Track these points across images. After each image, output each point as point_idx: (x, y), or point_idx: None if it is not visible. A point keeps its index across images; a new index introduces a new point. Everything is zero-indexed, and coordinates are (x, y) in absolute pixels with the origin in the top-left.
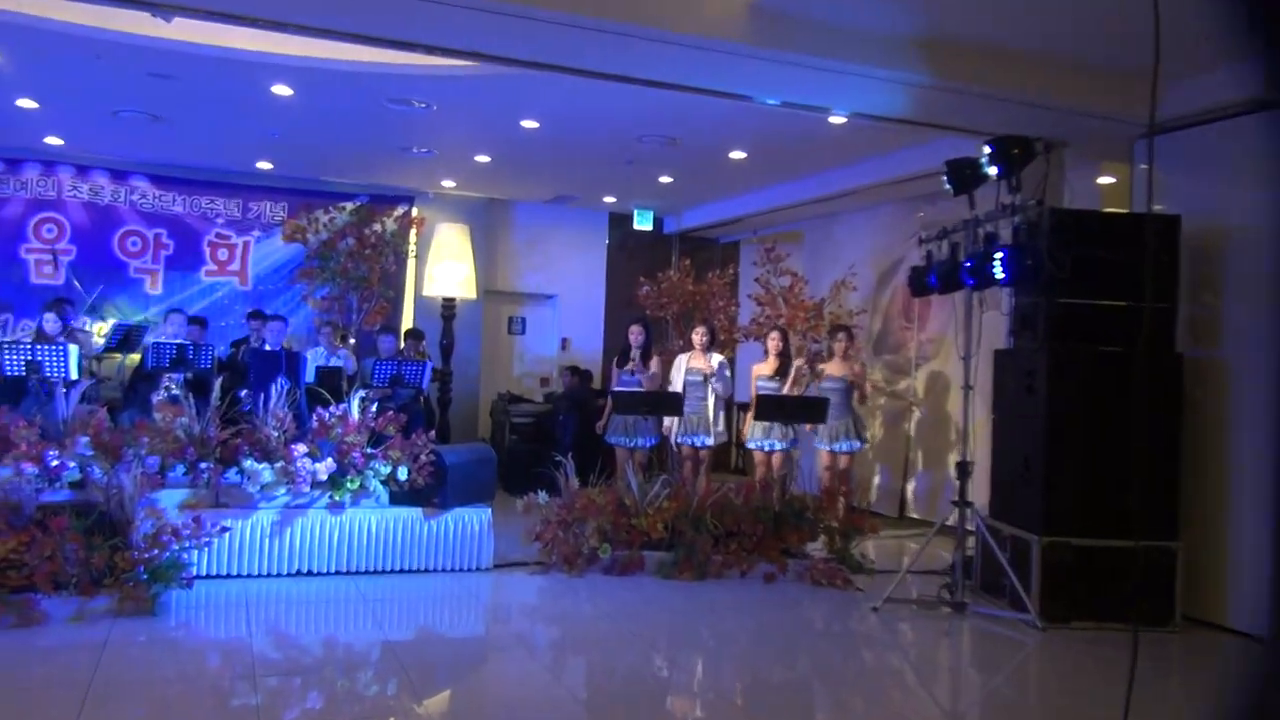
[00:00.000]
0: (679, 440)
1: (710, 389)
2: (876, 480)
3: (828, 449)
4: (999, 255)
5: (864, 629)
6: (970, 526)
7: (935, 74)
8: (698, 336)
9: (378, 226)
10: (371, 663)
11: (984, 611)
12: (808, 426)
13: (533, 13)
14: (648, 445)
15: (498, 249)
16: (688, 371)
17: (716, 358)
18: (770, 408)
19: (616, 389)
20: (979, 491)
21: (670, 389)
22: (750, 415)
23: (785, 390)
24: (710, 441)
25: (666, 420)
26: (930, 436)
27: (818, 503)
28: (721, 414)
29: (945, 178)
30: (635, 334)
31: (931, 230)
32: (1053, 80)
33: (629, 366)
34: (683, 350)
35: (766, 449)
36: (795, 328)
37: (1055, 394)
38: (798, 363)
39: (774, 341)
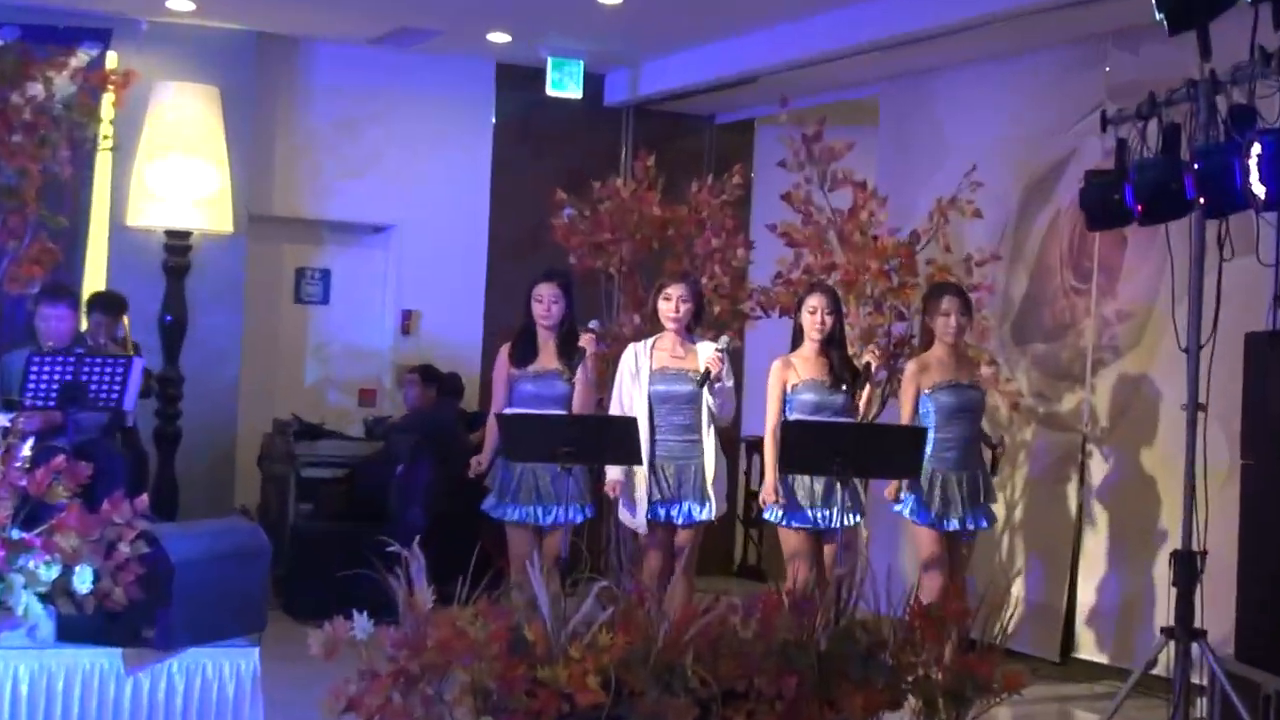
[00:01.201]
0: (635, 513)
1: (701, 407)
2: (1019, 589)
3: (927, 526)
4: (1258, 150)
5: None
6: (1201, 677)
7: None
8: (671, 305)
9: (37, 87)
10: None
11: None
12: (888, 488)
13: None
14: (573, 521)
15: (276, 137)
16: (654, 375)
17: (709, 347)
18: (816, 444)
19: (510, 410)
20: (1216, 611)
21: (617, 409)
22: (773, 459)
23: (849, 410)
24: (700, 513)
25: (611, 473)
26: (1122, 502)
27: (904, 633)
28: (719, 460)
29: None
30: (548, 301)
31: (1125, 104)
32: None
33: (535, 366)
34: (640, 335)
35: (808, 526)
36: (860, 290)
37: None
38: (868, 358)
39: (818, 315)
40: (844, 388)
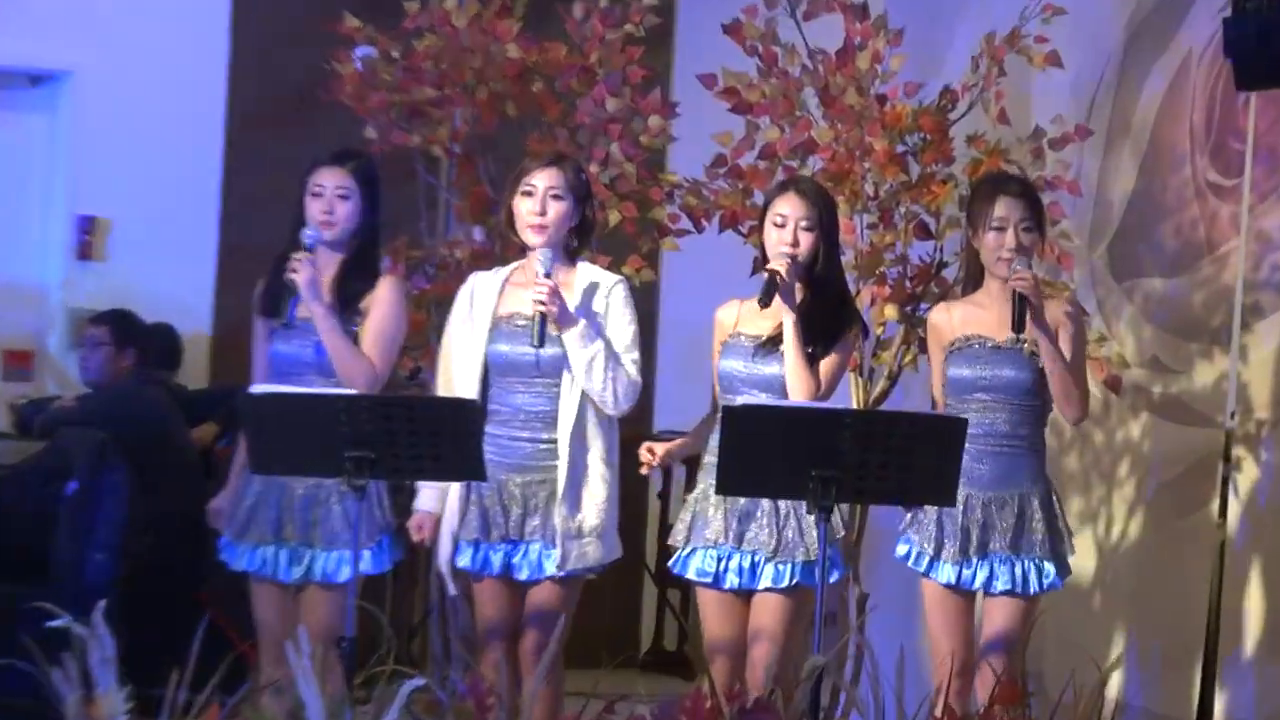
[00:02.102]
0: (462, 563)
1: (571, 383)
2: (1117, 688)
3: (932, 580)
4: None
5: None
6: None
7: None
8: (536, 205)
9: None
10: None
11: None
12: (904, 518)
13: None
14: (361, 574)
15: None
16: (498, 326)
17: (604, 281)
18: (778, 447)
19: (263, 388)
20: None
21: (442, 386)
22: (703, 473)
23: (828, 387)
24: (575, 560)
25: (423, 497)
26: None
27: None
28: (606, 472)
29: None
30: (332, 198)
31: None
32: None
33: (304, 311)
34: (485, 262)
35: (738, 584)
36: (855, 187)
37: None
38: (776, 265)
39: (788, 228)
40: (810, 349)
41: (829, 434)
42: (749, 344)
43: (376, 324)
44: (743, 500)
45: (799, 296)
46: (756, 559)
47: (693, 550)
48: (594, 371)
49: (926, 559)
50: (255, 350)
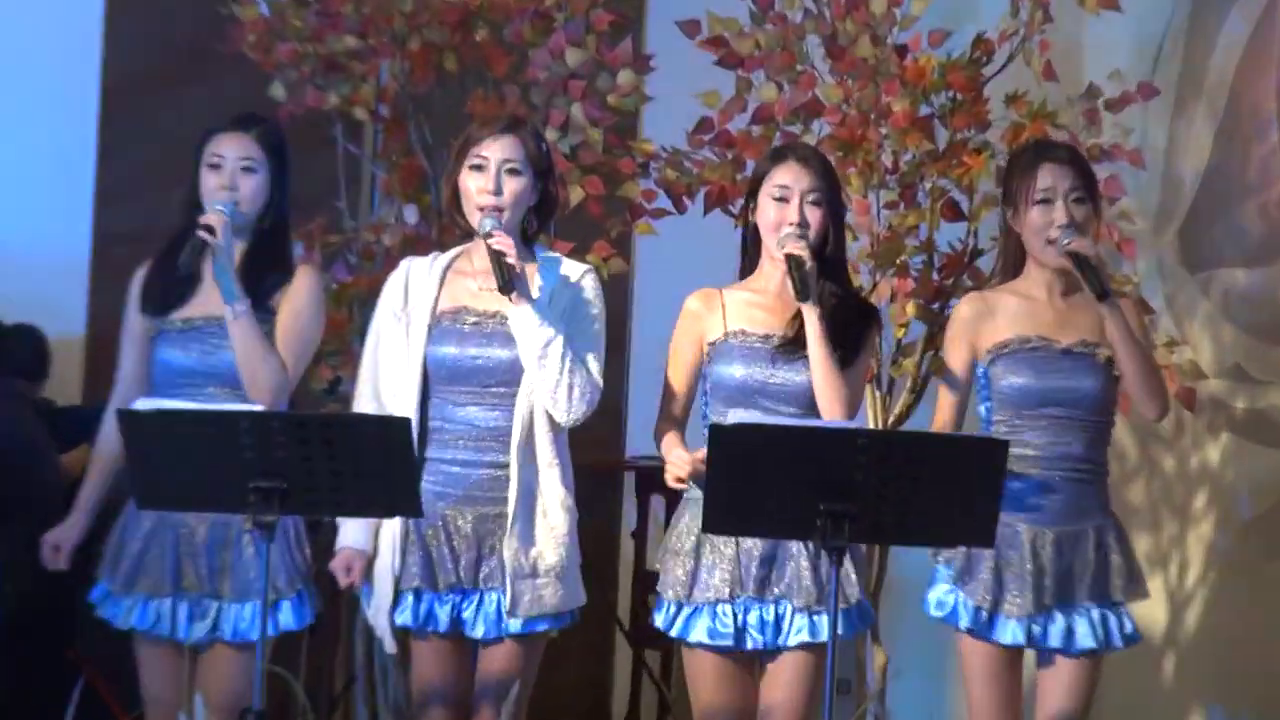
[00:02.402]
0: (401, 619)
1: (524, 394)
2: None
3: (969, 634)
4: None
5: None
6: None
7: None
8: (487, 180)
9: None
10: None
11: None
12: (938, 559)
13: None
14: (297, 627)
15: None
16: (439, 323)
17: (571, 271)
18: (777, 477)
19: (146, 403)
20: None
21: (369, 400)
22: (693, 505)
23: (841, 405)
24: (529, 605)
25: (348, 535)
26: None
27: None
28: (564, 501)
29: None
30: (233, 170)
31: None
32: None
33: (195, 309)
34: (421, 247)
35: (728, 645)
36: (870, 156)
37: None
38: (791, 248)
39: (792, 205)
40: (836, 351)
41: (841, 458)
42: (763, 345)
43: (289, 323)
44: (760, 540)
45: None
46: (782, 609)
47: (698, 608)
48: (549, 360)
49: (984, 615)
50: (124, 355)
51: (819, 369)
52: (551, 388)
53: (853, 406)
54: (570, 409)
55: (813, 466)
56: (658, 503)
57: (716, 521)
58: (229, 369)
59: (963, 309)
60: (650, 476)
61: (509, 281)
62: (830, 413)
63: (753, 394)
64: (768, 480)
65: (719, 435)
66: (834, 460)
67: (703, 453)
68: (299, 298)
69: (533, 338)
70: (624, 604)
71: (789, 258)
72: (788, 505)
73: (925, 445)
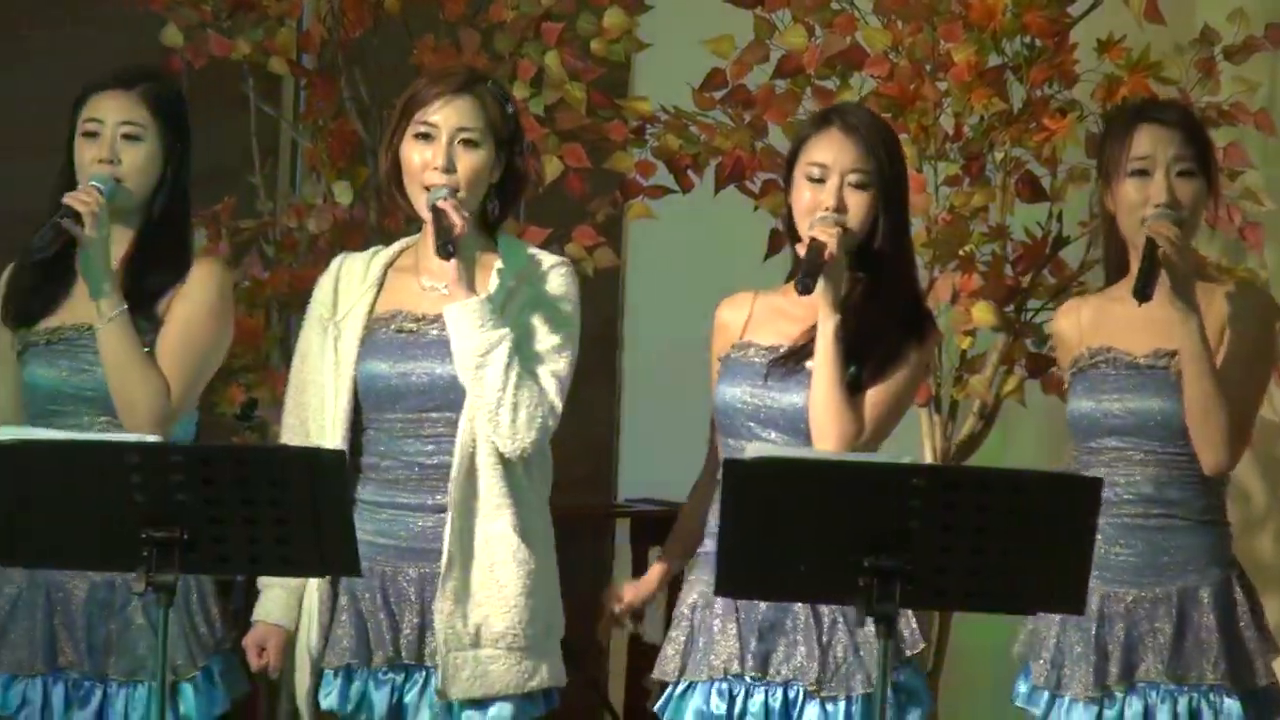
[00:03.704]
0: (328, 704)
1: (467, 380)
2: None
3: (1043, 716)
4: None
5: None
6: None
7: None
8: (437, 153)
9: None
10: None
11: None
12: (1021, 635)
13: None
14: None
15: None
16: (372, 331)
17: (540, 263)
18: (809, 523)
19: (8, 433)
20: None
21: (295, 431)
22: (699, 567)
23: (874, 430)
24: (467, 683)
25: (268, 600)
26: None
27: None
28: (532, 547)
29: None
30: (112, 142)
31: None
32: None
33: (66, 316)
34: (358, 240)
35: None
36: (927, 119)
37: None
38: (820, 235)
39: (831, 185)
40: (850, 368)
41: (891, 502)
42: (760, 359)
43: (180, 331)
44: (763, 605)
45: (844, 287)
46: (792, 693)
47: (691, 685)
48: (488, 371)
49: (1044, 697)
50: None
51: (815, 387)
52: (492, 406)
53: (849, 442)
54: (514, 436)
55: (855, 512)
56: (650, 557)
57: (733, 581)
58: (106, 390)
59: (1058, 322)
60: (647, 524)
61: (448, 243)
62: (821, 443)
63: (741, 421)
64: (797, 529)
65: (735, 472)
66: (882, 504)
67: (642, 582)
68: (195, 298)
69: (470, 341)
70: (617, 686)
71: (810, 242)
72: (822, 560)
73: (994, 484)
